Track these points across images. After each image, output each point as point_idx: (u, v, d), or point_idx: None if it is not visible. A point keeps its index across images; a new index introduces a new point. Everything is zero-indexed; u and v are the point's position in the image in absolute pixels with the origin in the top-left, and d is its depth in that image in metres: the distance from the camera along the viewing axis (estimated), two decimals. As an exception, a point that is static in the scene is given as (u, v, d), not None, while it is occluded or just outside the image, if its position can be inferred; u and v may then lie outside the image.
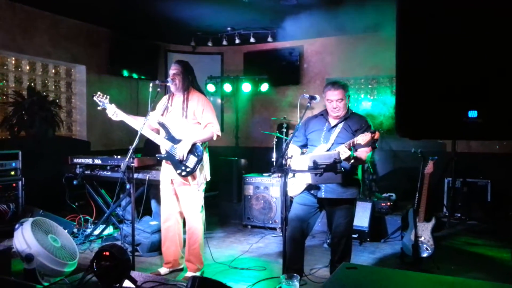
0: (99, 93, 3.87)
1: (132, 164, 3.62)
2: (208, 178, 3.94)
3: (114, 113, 3.78)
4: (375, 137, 3.19)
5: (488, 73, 1.24)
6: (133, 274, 2.61)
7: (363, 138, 3.20)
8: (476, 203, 6.22)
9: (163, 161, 3.90)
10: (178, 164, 3.74)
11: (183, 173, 3.72)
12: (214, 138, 3.84)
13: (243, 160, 6.49)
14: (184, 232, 4.05)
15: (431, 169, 4.35)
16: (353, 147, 3.39)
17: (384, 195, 5.92)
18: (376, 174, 6.89)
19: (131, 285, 2.51)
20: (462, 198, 6.26)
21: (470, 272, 4.13)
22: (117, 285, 2.43)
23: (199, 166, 3.76)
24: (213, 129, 3.81)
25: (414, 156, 4.67)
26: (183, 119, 3.80)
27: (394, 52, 1.42)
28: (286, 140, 6.23)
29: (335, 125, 3.52)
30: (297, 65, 7.84)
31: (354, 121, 3.50)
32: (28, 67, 6.37)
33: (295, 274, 2.52)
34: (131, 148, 3.52)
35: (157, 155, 3.89)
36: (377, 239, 5.21)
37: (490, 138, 1.23)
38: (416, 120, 1.33)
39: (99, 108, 3.86)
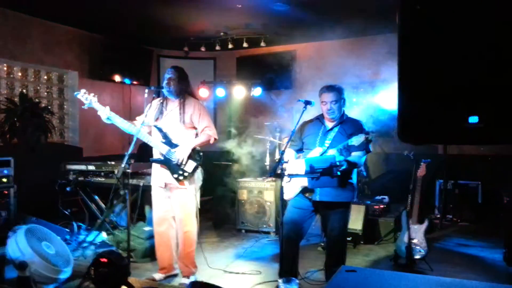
0: (83, 90, 3.78)
1: (127, 170, 3.62)
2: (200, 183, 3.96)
3: (106, 114, 3.69)
4: (369, 138, 3.23)
5: (488, 78, 1.27)
6: (130, 280, 2.62)
7: (357, 139, 3.25)
8: (467, 204, 6.30)
9: (156, 165, 3.89)
10: (175, 168, 3.74)
11: (181, 177, 3.73)
12: (212, 142, 3.89)
13: (236, 165, 6.50)
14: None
15: (424, 171, 4.40)
16: (347, 150, 3.42)
17: (377, 197, 5.96)
18: (369, 177, 6.95)
19: (129, 291, 2.51)
20: (453, 200, 6.33)
21: (463, 273, 4.17)
22: (115, 291, 2.44)
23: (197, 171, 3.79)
24: (210, 133, 3.86)
25: (406, 158, 4.72)
26: (180, 124, 3.81)
27: (388, 57, 1.44)
28: (279, 144, 6.26)
29: (331, 129, 3.56)
30: (290, 69, 7.89)
31: (350, 125, 3.54)
32: (20, 74, 6.33)
33: (293, 278, 2.54)
34: (127, 154, 3.51)
35: (151, 158, 3.88)
36: (370, 241, 5.24)
37: (491, 143, 1.26)
38: (418, 125, 1.35)
39: (84, 107, 3.75)
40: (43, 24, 6.31)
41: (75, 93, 3.83)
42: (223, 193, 6.29)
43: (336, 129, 3.54)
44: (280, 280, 3.39)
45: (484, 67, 1.24)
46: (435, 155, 6.66)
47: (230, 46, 7.41)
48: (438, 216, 6.26)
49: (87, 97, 3.74)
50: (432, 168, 4.82)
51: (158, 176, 3.89)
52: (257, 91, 7.63)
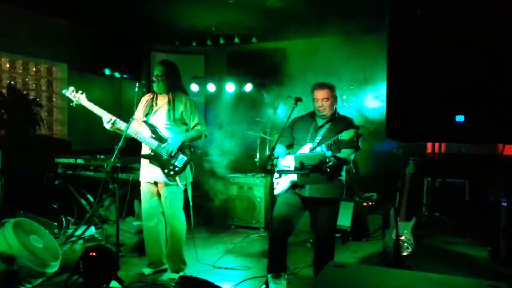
0: (71, 88, 3.74)
1: (117, 164, 3.59)
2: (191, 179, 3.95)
3: (110, 120, 3.68)
4: (359, 132, 3.26)
5: (475, 78, 1.29)
6: (120, 274, 2.61)
7: (347, 134, 3.28)
8: (454, 202, 6.37)
9: (144, 161, 3.86)
10: (166, 163, 3.73)
11: (171, 173, 3.72)
12: (203, 138, 3.88)
13: (226, 160, 6.49)
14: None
15: (412, 169, 4.44)
16: (337, 146, 3.45)
17: (366, 194, 6.01)
18: (358, 174, 7.00)
19: (118, 285, 2.50)
20: (441, 198, 6.41)
21: (449, 270, 4.23)
22: (104, 285, 2.43)
23: (188, 166, 3.78)
24: (201, 129, 3.84)
25: (394, 156, 4.76)
26: (171, 120, 3.80)
27: (378, 55, 1.46)
28: (269, 140, 6.28)
29: (322, 126, 3.58)
30: (281, 66, 7.89)
31: (341, 122, 3.56)
32: (8, 65, 6.24)
33: (282, 273, 2.56)
34: (116, 148, 3.49)
35: (142, 154, 3.85)
36: (359, 238, 5.29)
37: (477, 142, 1.29)
38: (406, 123, 1.38)
39: (72, 104, 3.73)
40: (32, 15, 6.22)
41: (63, 90, 3.79)
42: (213, 188, 6.29)
43: (327, 126, 3.57)
44: (269, 276, 3.41)
45: (472, 67, 1.27)
46: (423, 153, 6.74)
47: (221, 41, 7.39)
48: (426, 213, 6.33)
49: (75, 95, 3.70)
50: (420, 166, 4.87)
51: (147, 171, 3.87)
52: (248, 87, 7.64)
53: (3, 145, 5.05)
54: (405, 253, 4.25)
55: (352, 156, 3.58)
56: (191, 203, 3.92)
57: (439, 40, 1.32)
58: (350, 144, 3.43)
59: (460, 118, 1.28)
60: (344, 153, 3.48)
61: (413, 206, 4.81)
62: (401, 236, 4.28)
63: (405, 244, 4.26)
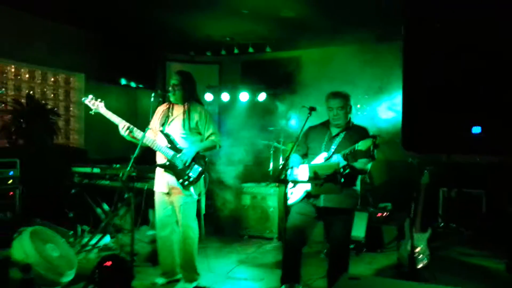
0: (90, 96, 3.80)
1: (133, 174, 3.63)
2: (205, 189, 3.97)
3: (127, 128, 3.72)
4: (376, 141, 3.24)
5: (492, 91, 1.29)
6: (134, 284, 2.63)
7: (364, 143, 3.26)
8: (470, 213, 6.25)
9: (159, 170, 3.89)
10: (181, 173, 3.75)
11: (186, 183, 3.73)
12: (217, 149, 3.90)
13: (239, 169, 6.49)
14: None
15: (427, 179, 4.39)
16: (353, 156, 3.43)
17: (380, 205, 5.94)
18: (372, 184, 6.93)
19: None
20: (457, 209, 6.29)
21: (466, 282, 4.15)
22: (119, 295, 2.44)
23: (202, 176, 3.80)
24: (216, 140, 3.88)
25: (408, 166, 4.70)
26: (186, 130, 3.83)
27: (394, 64, 1.46)
28: (283, 149, 6.26)
29: (337, 135, 3.58)
30: (295, 75, 7.90)
31: (355, 132, 3.56)
32: (27, 75, 6.38)
33: (296, 284, 2.55)
34: (132, 157, 3.52)
35: (158, 163, 3.89)
36: (373, 249, 5.22)
37: (493, 153, 1.28)
38: (422, 135, 1.37)
39: (91, 112, 3.77)
40: (50, 25, 6.35)
41: (83, 98, 3.86)
42: (225, 198, 6.29)
43: (342, 135, 3.57)
44: (282, 287, 3.39)
45: (488, 80, 1.27)
46: (438, 163, 6.63)
47: (235, 51, 7.45)
48: (442, 224, 6.23)
49: (94, 103, 3.76)
50: (435, 176, 4.81)
51: (161, 181, 3.90)
52: (262, 96, 7.66)
53: (21, 154, 5.14)
54: (420, 265, 4.18)
55: (369, 166, 3.55)
56: (203, 213, 3.92)
57: (456, 53, 1.32)
58: (367, 154, 3.41)
59: (476, 129, 1.27)
60: (361, 162, 3.46)
61: (428, 217, 4.73)
62: (417, 247, 4.22)
63: (421, 255, 4.19)
